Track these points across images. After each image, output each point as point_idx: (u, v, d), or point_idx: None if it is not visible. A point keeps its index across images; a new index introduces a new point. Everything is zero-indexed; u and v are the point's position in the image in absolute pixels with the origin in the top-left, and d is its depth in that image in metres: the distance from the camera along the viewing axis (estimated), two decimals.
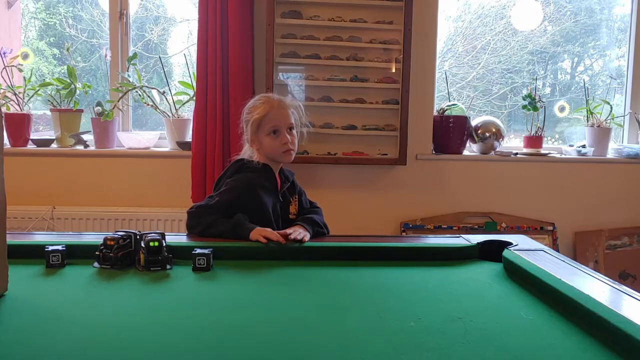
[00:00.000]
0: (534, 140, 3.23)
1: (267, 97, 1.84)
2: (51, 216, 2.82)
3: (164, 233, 1.43)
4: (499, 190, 3.16)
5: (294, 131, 1.81)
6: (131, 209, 2.88)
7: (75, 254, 1.44)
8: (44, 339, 0.95)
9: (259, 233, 1.58)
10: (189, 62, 3.13)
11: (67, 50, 3.05)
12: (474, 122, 3.17)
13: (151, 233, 1.40)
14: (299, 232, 1.60)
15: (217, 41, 2.77)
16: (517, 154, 3.17)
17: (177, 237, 1.62)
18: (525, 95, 3.22)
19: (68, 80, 2.97)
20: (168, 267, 1.39)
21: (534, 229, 3.12)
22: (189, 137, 3.02)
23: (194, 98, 2.87)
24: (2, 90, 2.95)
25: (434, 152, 3.13)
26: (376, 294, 1.26)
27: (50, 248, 1.39)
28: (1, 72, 2.93)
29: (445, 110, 3.11)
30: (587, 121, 3.31)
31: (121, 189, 2.96)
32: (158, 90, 3.06)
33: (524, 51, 3.56)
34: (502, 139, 3.17)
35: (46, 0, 3.36)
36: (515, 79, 3.58)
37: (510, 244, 1.56)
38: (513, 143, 3.44)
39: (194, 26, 3.13)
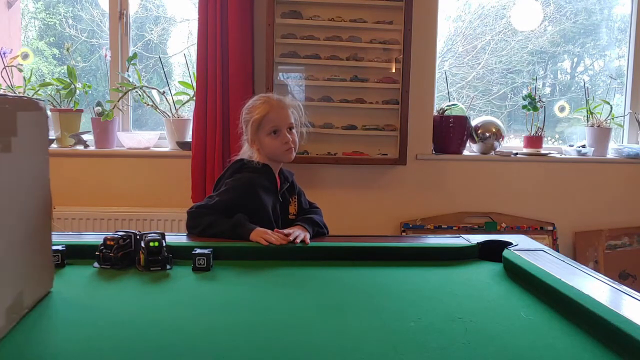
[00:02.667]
0: (534, 140, 3.23)
1: (266, 97, 1.84)
2: (51, 216, 2.82)
3: (164, 233, 1.43)
4: (499, 190, 3.16)
5: (294, 131, 1.82)
6: (131, 209, 2.88)
7: (75, 254, 1.44)
8: (44, 339, 0.95)
9: (260, 234, 1.58)
10: (189, 62, 3.13)
11: (67, 50, 3.05)
12: (474, 122, 3.17)
13: (151, 233, 1.40)
14: (298, 234, 1.60)
15: (217, 41, 2.77)
16: (517, 154, 3.17)
17: (177, 237, 1.62)
18: (525, 95, 3.22)
19: (68, 80, 2.97)
20: (168, 267, 1.39)
21: (534, 229, 3.12)
22: (189, 137, 3.02)
23: (194, 98, 2.87)
24: (2, 90, 2.95)
25: (434, 152, 3.13)
26: (376, 294, 1.26)
27: None
28: (1, 72, 2.93)
29: (445, 110, 3.11)
30: (587, 121, 3.31)
31: (121, 189, 2.96)
32: (158, 90, 3.06)
33: (524, 51, 3.56)
34: (502, 139, 3.17)
35: (46, 0, 3.36)
36: (515, 79, 3.58)
37: (510, 244, 1.56)
38: (513, 143, 3.44)
39: (194, 26, 3.13)
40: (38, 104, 1.09)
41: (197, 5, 2.82)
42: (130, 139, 3.03)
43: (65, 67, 3.01)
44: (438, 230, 3.06)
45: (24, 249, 1.04)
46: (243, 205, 1.69)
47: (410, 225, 3.06)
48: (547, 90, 3.63)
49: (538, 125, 3.23)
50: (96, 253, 1.39)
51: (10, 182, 0.97)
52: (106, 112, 2.92)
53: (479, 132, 3.13)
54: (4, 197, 0.93)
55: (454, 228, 3.06)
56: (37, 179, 1.11)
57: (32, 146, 1.05)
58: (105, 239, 1.40)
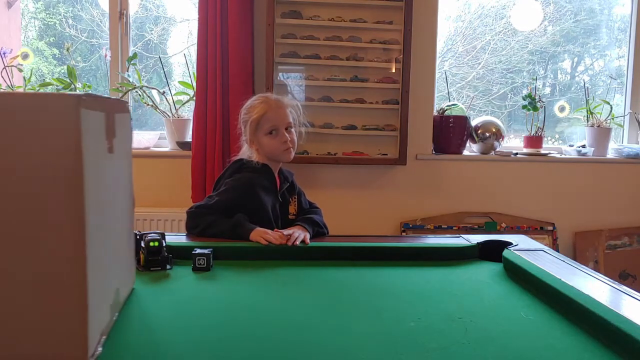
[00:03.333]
0: (534, 140, 3.23)
1: (265, 97, 1.84)
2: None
3: (164, 233, 1.43)
4: (499, 190, 3.16)
5: (293, 130, 1.82)
6: None
7: None
8: None
9: (260, 234, 1.58)
10: (189, 62, 3.13)
11: (67, 50, 3.05)
12: (474, 122, 3.17)
13: (151, 233, 1.40)
14: (298, 234, 1.60)
15: (217, 41, 2.77)
16: (517, 154, 3.17)
17: (177, 237, 1.62)
18: (525, 95, 3.22)
19: (68, 80, 2.97)
20: (168, 267, 1.39)
21: (534, 229, 3.12)
22: (189, 137, 3.02)
23: (194, 98, 2.87)
24: (2, 90, 2.96)
25: (434, 152, 3.13)
26: (376, 294, 1.26)
27: None
28: (1, 72, 2.93)
29: (445, 110, 3.11)
30: (587, 121, 3.31)
31: None
32: (158, 90, 3.06)
33: (524, 51, 3.56)
34: (502, 139, 3.17)
35: (46, 0, 3.36)
36: (515, 79, 3.58)
37: (510, 244, 1.56)
38: (513, 143, 3.44)
39: (194, 26, 3.13)
40: (126, 106, 1.10)
41: (197, 5, 2.82)
42: None
43: (65, 67, 3.01)
44: (438, 230, 3.06)
45: (119, 248, 1.07)
46: (242, 205, 1.69)
47: (410, 225, 3.06)
48: (547, 90, 3.63)
49: (538, 125, 3.23)
50: None
51: (113, 182, 0.99)
52: None
53: (479, 132, 3.13)
54: (108, 197, 0.95)
55: (454, 228, 3.06)
56: (126, 180, 1.13)
57: (123, 147, 1.07)
58: None
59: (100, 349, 0.88)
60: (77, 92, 3.01)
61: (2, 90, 2.95)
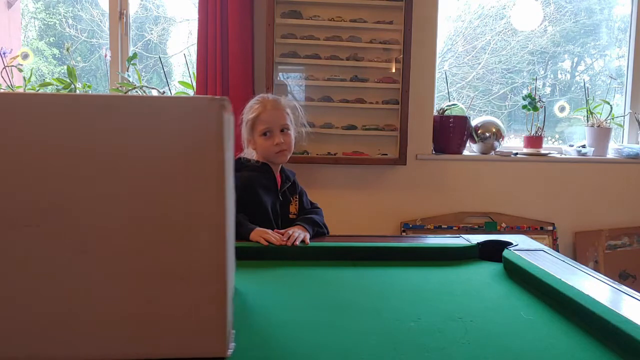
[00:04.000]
0: (534, 140, 3.23)
1: (262, 98, 1.84)
2: None
3: None
4: (499, 190, 3.16)
5: (290, 131, 1.81)
6: None
7: None
8: None
9: (260, 234, 1.58)
10: (189, 62, 3.13)
11: (67, 50, 3.05)
12: (474, 122, 3.17)
13: None
14: (298, 234, 1.60)
15: (217, 41, 2.77)
16: (517, 154, 3.18)
17: None
18: (525, 95, 3.22)
19: (68, 80, 2.97)
20: None
21: (534, 229, 3.12)
22: None
23: None
24: (2, 90, 2.95)
25: (434, 152, 3.13)
26: (376, 294, 1.26)
27: None
28: (1, 72, 2.93)
29: (445, 110, 3.11)
30: (587, 121, 3.31)
31: None
32: (158, 90, 3.06)
33: (524, 51, 3.56)
34: (502, 139, 3.17)
35: (46, 0, 3.36)
36: (515, 79, 3.58)
37: (510, 244, 1.56)
38: (513, 143, 3.44)
39: (194, 26, 3.13)
40: (230, 106, 1.11)
41: (197, 5, 2.82)
42: None
43: (65, 67, 3.01)
44: (438, 230, 3.06)
45: (232, 246, 1.08)
46: (242, 204, 1.69)
47: (410, 225, 3.06)
48: (547, 90, 3.63)
49: (538, 125, 3.23)
50: None
51: (231, 184, 1.01)
52: None
53: (479, 132, 3.13)
54: (230, 199, 0.96)
55: (454, 228, 3.06)
56: (231, 179, 1.13)
57: (231, 147, 1.08)
58: None
59: (233, 343, 0.90)
60: (78, 92, 3.01)
61: (1, 90, 2.96)
